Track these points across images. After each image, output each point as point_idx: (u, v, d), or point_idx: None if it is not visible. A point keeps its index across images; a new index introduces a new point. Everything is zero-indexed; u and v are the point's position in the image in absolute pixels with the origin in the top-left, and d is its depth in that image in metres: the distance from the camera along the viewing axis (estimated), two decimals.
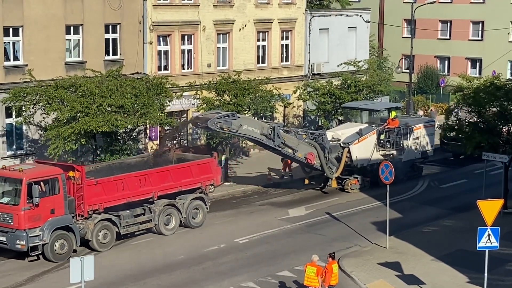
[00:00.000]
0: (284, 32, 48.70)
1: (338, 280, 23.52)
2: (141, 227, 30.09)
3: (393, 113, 39.82)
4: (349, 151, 37.73)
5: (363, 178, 38.54)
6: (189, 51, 43.56)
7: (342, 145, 38.06)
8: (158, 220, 30.26)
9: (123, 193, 29.00)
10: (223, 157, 39.69)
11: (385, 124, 39.26)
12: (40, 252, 27.00)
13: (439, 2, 67.05)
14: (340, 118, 44.51)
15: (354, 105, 42.33)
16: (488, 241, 22.19)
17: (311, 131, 38.46)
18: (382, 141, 38.99)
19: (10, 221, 26.60)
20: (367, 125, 39.56)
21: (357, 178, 38.35)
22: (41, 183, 26.74)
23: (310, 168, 37.74)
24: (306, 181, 38.66)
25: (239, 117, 33.80)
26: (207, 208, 32.28)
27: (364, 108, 41.19)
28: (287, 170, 40.69)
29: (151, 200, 30.27)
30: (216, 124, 32.57)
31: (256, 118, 41.26)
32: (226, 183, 39.11)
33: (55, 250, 27.11)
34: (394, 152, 39.22)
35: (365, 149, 38.21)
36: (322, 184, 38.62)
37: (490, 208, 22.29)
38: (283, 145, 35.33)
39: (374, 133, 38.78)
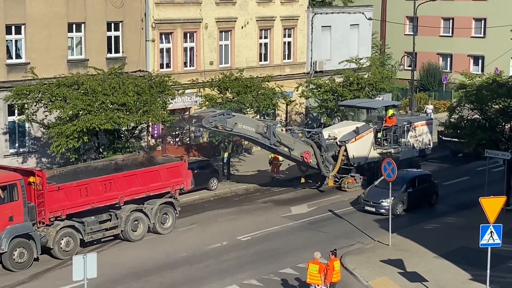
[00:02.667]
0: (286, 30, 48.70)
1: (341, 277, 23.53)
2: (107, 234, 28.91)
3: (390, 111, 39.70)
4: (345, 150, 37.52)
5: (360, 176, 38.37)
6: (191, 48, 43.58)
7: (338, 143, 37.83)
8: (125, 226, 29.11)
9: (87, 198, 27.89)
10: (225, 155, 39.73)
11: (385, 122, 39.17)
12: None
13: None
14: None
15: (351, 103, 42.20)
16: (490, 238, 22.18)
17: (307, 129, 38.35)
18: (379, 139, 38.87)
19: None
20: (364, 123, 39.42)
21: (354, 177, 38.17)
22: None
23: (306, 166, 37.53)
24: (303, 180, 38.31)
25: (234, 115, 33.53)
26: (176, 213, 31.06)
27: (361, 106, 41.07)
28: (275, 171, 40.06)
29: (117, 205, 29.16)
30: (210, 122, 32.33)
31: (258, 116, 41.30)
32: (228, 181, 39.13)
33: (14, 259, 25.95)
34: (392, 150, 39.07)
35: (362, 148, 38.01)
36: (319, 183, 38.39)
37: (492, 205, 22.29)
38: (279, 143, 35.10)
39: (371, 131, 38.61)
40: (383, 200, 33.06)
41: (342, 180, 38.02)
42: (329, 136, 37.94)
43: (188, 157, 35.10)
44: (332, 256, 23.21)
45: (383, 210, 33.01)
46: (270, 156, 39.51)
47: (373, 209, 33.62)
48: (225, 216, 33.61)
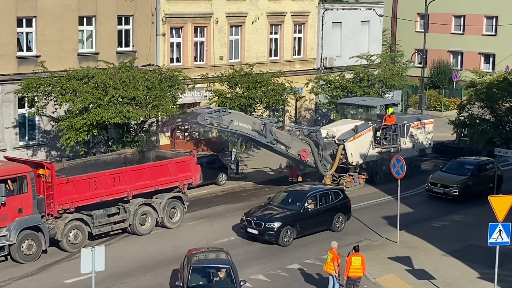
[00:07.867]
0: (297, 25, 48.64)
1: (365, 271, 23.53)
2: (115, 227, 29.04)
3: (390, 110, 39.43)
4: (344, 148, 37.19)
5: (358, 175, 38.07)
6: (202, 43, 43.59)
7: (337, 142, 37.44)
8: (133, 220, 29.24)
9: (96, 192, 27.97)
10: (234, 150, 39.72)
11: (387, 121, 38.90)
12: (6, 252, 25.99)
13: None
14: (352, 112, 44.26)
15: (351, 101, 41.95)
16: (499, 236, 22.18)
17: (305, 127, 38.04)
18: (378, 138, 38.64)
19: None
20: (363, 122, 39.04)
21: (352, 176, 37.86)
22: (8, 181, 25.72)
23: (303, 165, 37.05)
24: (300, 178, 37.70)
25: (230, 112, 33.24)
26: (185, 207, 31.21)
27: (360, 105, 40.77)
28: (293, 175, 38.69)
29: (126, 199, 29.25)
30: (206, 119, 32.12)
31: (267, 111, 41.22)
32: (236, 176, 39.12)
33: (22, 250, 26.08)
34: (391, 149, 38.81)
35: (360, 146, 37.70)
36: (317, 182, 38.10)
37: (501, 203, 22.29)
38: (276, 141, 34.70)
39: (370, 130, 38.31)
40: None
41: (341, 179, 37.62)
42: (327, 134, 37.42)
43: (197, 152, 35.09)
44: (353, 251, 23.39)
45: None
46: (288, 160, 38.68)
47: None
48: (233, 211, 33.60)
